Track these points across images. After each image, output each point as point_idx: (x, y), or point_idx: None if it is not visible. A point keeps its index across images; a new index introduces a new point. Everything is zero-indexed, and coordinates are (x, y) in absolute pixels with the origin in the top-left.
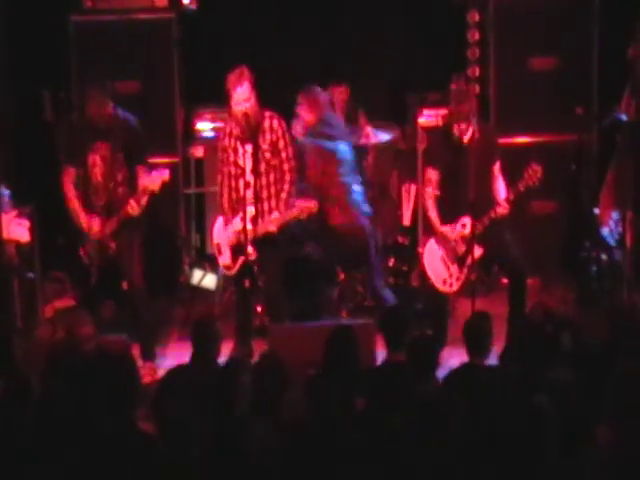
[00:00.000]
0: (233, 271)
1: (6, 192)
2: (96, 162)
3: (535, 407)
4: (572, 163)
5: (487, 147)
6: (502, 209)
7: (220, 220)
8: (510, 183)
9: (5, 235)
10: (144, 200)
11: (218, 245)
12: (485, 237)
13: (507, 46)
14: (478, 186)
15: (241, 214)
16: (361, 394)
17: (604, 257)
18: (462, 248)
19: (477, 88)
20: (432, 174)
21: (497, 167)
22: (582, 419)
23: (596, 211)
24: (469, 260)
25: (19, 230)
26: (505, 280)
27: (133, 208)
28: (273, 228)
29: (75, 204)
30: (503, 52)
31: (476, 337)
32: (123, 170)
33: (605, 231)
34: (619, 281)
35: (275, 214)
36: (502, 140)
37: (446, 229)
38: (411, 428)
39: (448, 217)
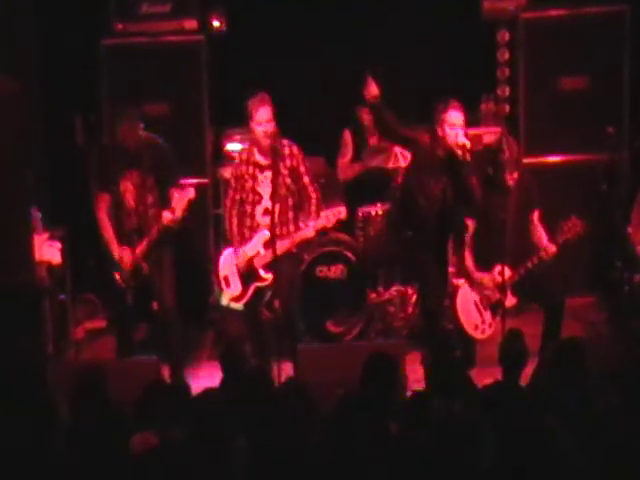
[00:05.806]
0: (244, 300)
1: (38, 214)
2: (127, 188)
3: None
4: (603, 182)
5: (527, 193)
6: (550, 249)
7: (226, 252)
8: (548, 230)
9: (37, 257)
10: (179, 214)
11: (225, 277)
12: (521, 286)
13: (537, 65)
14: (516, 232)
15: (255, 239)
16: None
17: (637, 277)
18: (496, 295)
19: (507, 108)
20: (469, 221)
21: (536, 215)
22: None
23: (629, 230)
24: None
25: (51, 252)
26: None
27: (167, 218)
28: (312, 233)
29: (108, 233)
30: (533, 72)
31: (509, 355)
32: (154, 193)
33: (638, 251)
34: None
35: (311, 223)
36: (532, 160)
37: (481, 276)
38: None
39: (484, 263)
